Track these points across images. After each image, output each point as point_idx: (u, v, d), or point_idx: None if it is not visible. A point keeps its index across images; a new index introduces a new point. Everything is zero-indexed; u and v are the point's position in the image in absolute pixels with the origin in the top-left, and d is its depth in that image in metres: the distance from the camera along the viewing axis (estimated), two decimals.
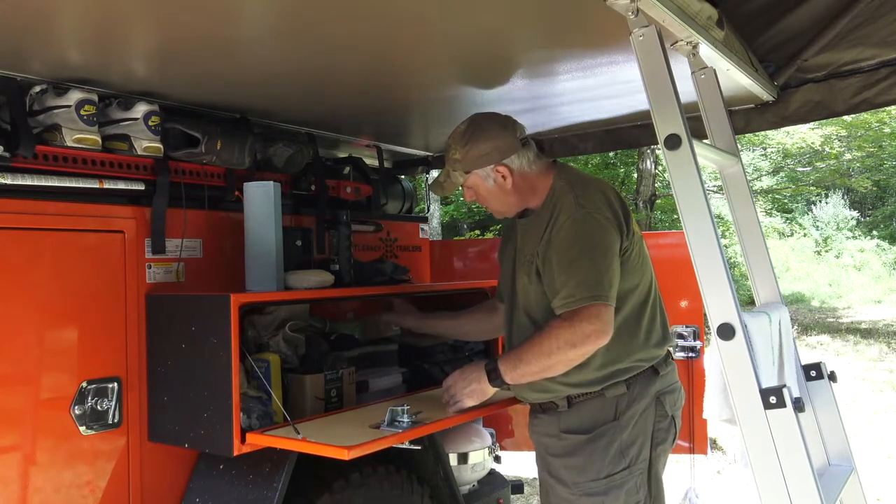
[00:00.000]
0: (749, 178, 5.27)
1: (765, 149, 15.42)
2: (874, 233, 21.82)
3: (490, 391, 2.19)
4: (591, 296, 1.97)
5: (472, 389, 2.19)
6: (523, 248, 2.20)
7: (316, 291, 2.45)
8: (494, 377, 2.13)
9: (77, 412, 2.14)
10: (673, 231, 2.62)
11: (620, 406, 2.10)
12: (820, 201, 22.87)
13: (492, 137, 2.16)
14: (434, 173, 3.92)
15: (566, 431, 2.13)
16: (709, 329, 1.70)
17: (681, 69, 2.00)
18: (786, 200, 20.98)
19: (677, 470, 2.55)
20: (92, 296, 2.19)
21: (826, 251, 21.11)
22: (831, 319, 13.66)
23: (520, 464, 4.92)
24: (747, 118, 2.77)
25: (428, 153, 3.77)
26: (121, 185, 2.26)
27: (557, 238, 2.06)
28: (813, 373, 2.28)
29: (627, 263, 2.10)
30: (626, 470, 2.08)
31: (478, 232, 14.59)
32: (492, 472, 3.27)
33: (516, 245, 2.25)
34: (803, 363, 2.28)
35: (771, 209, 20.33)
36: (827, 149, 13.62)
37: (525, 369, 2.07)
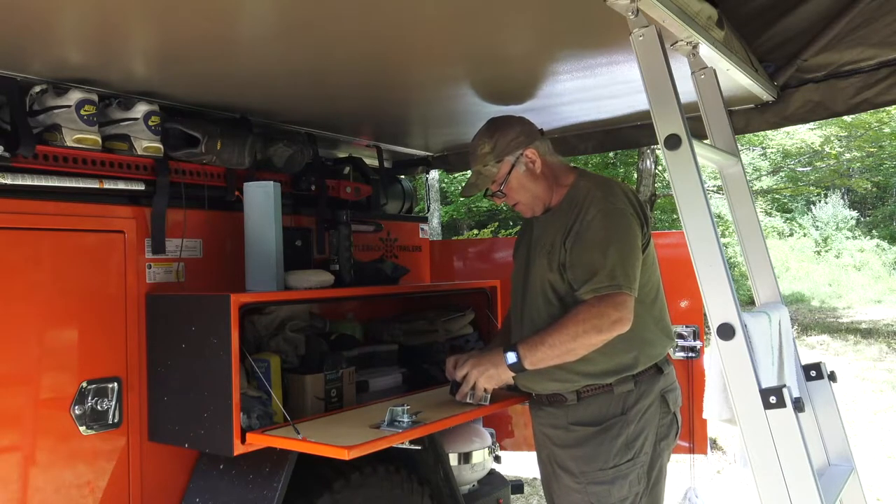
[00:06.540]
0: (749, 178, 5.26)
1: (765, 149, 15.39)
2: (874, 233, 21.79)
3: (507, 376, 2.18)
4: (617, 284, 2.04)
5: (489, 375, 2.19)
6: (542, 239, 2.25)
7: (316, 291, 2.45)
8: (514, 360, 2.12)
9: (77, 412, 2.14)
10: (673, 231, 2.61)
11: (628, 401, 2.15)
12: (820, 201, 22.85)
13: (514, 126, 2.28)
14: (434, 173, 3.92)
15: (575, 423, 2.18)
16: (709, 329, 1.70)
17: (681, 69, 2.00)
18: (786, 200, 20.97)
19: (677, 470, 2.55)
20: (92, 296, 2.19)
21: (826, 251, 21.08)
22: (831, 319, 13.66)
23: (520, 464, 4.92)
24: (747, 118, 2.77)
25: (428, 153, 3.76)
26: (121, 185, 2.26)
27: (588, 230, 2.11)
28: (813, 373, 2.28)
29: (645, 260, 2.17)
30: (630, 461, 2.14)
31: (476, 232, 14.57)
32: (492, 472, 3.27)
33: (531, 239, 2.31)
34: (803, 363, 2.29)
35: (771, 209, 20.32)
36: (827, 149, 13.60)
37: (547, 353, 2.08)
